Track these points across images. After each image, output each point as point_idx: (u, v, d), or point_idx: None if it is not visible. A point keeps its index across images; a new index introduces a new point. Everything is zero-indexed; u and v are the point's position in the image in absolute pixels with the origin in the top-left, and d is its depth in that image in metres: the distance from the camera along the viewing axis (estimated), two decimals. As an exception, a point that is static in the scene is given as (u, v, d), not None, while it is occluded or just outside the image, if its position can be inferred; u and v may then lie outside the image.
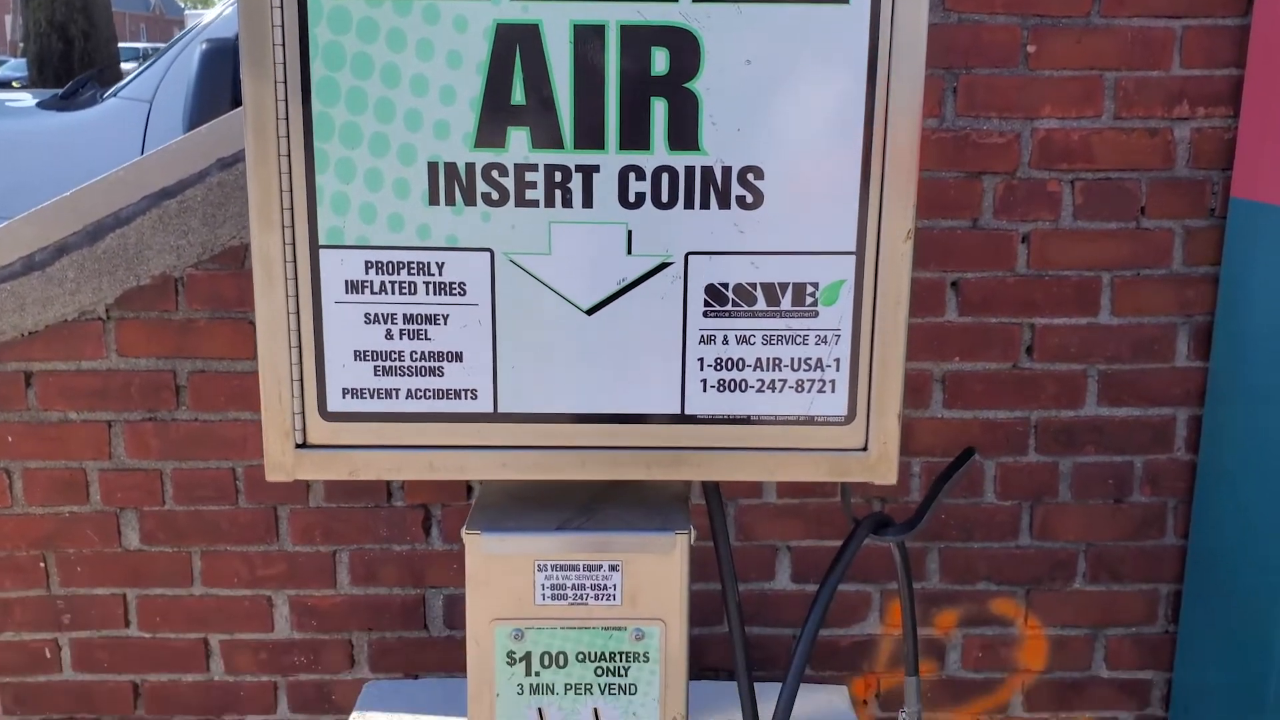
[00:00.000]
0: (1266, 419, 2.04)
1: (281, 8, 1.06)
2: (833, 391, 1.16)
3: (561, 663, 1.22)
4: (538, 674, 1.22)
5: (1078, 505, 2.33)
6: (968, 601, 2.38)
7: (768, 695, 2.02)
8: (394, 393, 1.15)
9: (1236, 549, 2.15)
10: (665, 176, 1.08)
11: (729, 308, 1.13)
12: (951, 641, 2.39)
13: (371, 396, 1.15)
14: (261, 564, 2.35)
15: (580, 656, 1.22)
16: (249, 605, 2.36)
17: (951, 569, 2.36)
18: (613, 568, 1.20)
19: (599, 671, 1.22)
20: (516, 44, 1.07)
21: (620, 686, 1.22)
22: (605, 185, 1.08)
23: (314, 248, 1.11)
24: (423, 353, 1.13)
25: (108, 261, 2.23)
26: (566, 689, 1.22)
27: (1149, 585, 2.38)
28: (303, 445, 1.15)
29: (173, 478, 2.31)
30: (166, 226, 2.23)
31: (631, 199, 1.09)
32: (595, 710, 1.22)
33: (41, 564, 2.33)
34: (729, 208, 1.09)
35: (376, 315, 1.13)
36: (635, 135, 1.07)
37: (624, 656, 1.21)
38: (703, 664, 2.39)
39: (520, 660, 1.21)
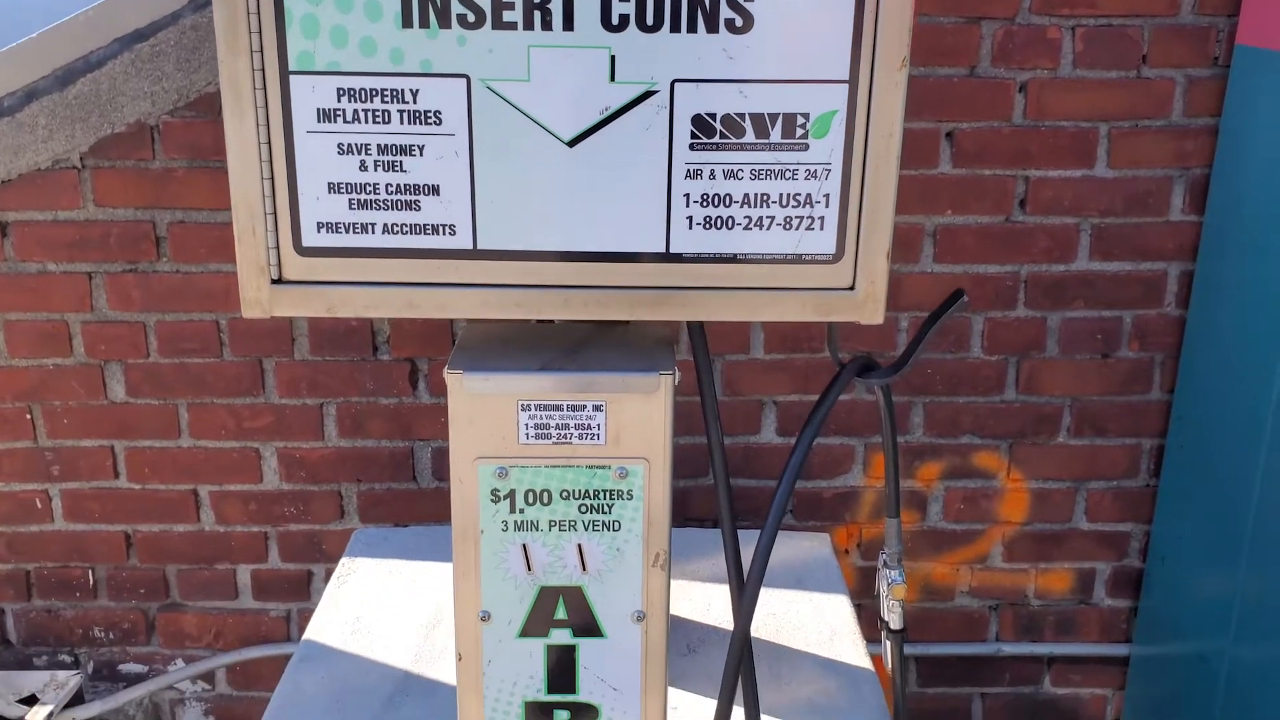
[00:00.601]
0: (1259, 274, 2.03)
1: None
2: (821, 229, 1.13)
3: (545, 500, 1.22)
4: (522, 511, 1.22)
5: (1064, 360, 2.33)
6: (951, 454, 2.40)
7: (751, 542, 2.05)
8: (370, 227, 1.12)
9: (1221, 404, 2.16)
10: (650, -3, 1.03)
11: (716, 140, 1.10)
12: (933, 493, 2.42)
13: (347, 231, 1.12)
14: (249, 416, 2.35)
15: (564, 494, 1.22)
16: (237, 457, 2.38)
17: (935, 422, 2.37)
18: (596, 408, 1.20)
19: (583, 509, 1.22)
20: None
21: (604, 523, 1.23)
22: (587, 5, 1.03)
23: (284, 74, 1.06)
24: (398, 185, 1.10)
25: (80, 108, 2.17)
26: (551, 526, 1.23)
27: (1132, 440, 2.40)
28: (278, 281, 1.13)
29: (156, 330, 2.29)
30: (139, 71, 2.15)
31: (615, 21, 1.04)
32: (579, 546, 1.23)
33: (28, 416, 2.33)
34: (717, 31, 1.05)
35: (350, 146, 1.09)
36: (618, -49, 1.02)
37: (607, 494, 1.22)
38: (687, 514, 2.43)
39: (504, 498, 1.22)
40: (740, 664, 1.25)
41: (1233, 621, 2.10)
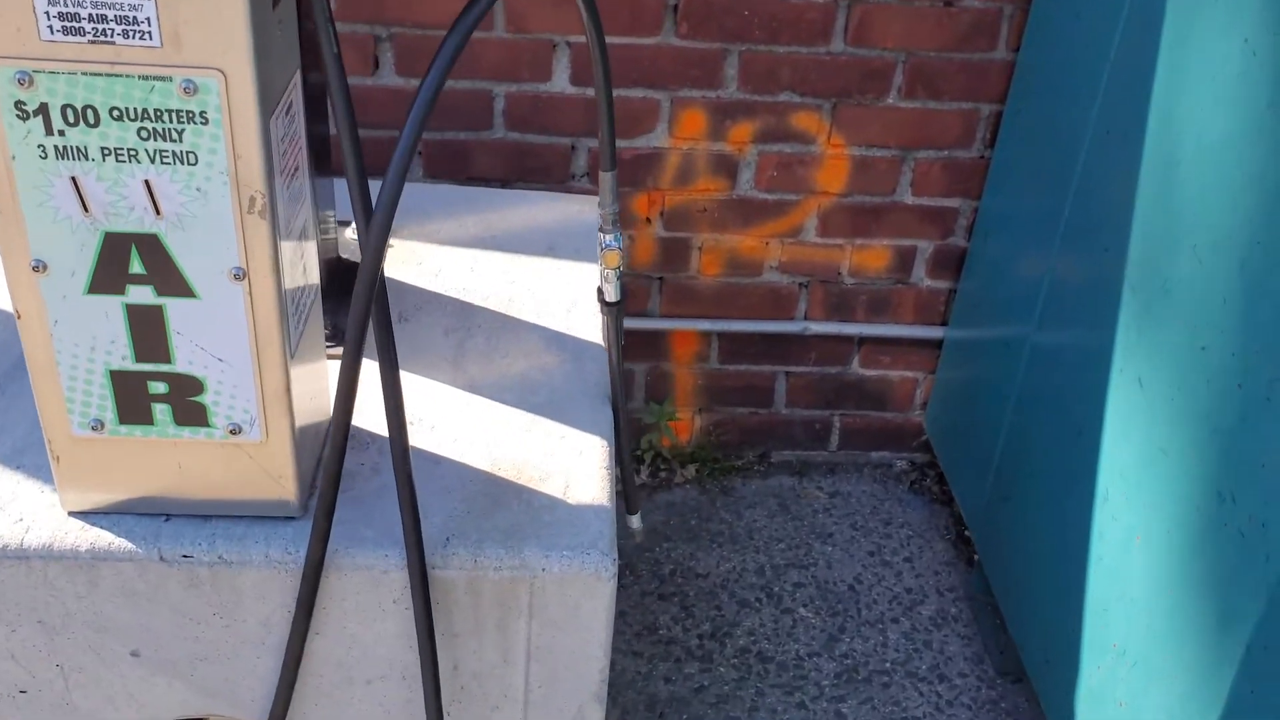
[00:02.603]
0: (1121, -98, 1.70)
1: None
2: None
3: (91, 120, 0.93)
4: (63, 134, 0.94)
5: (902, 6, 2.02)
6: (766, 114, 2.12)
7: (537, 203, 1.79)
8: None
9: (1062, 62, 1.89)
10: None
11: None
12: (745, 159, 2.17)
13: None
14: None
15: (115, 114, 0.93)
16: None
17: (751, 75, 2.08)
18: (143, -7, 0.89)
19: (144, 134, 0.94)
20: None
21: (175, 155, 0.95)
22: None
23: None
24: None
25: None
26: (105, 155, 0.95)
27: (969, 104, 2.14)
28: None
29: None
30: None
31: None
32: (147, 183, 0.96)
33: None
34: None
35: None
36: None
37: (173, 116, 0.93)
38: (470, 172, 2.15)
39: (35, 114, 0.93)
40: (366, 315, 1.01)
41: (1038, 306, 1.94)
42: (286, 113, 1.03)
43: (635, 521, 1.50)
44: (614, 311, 1.32)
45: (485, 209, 1.75)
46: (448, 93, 2.05)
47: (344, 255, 1.58)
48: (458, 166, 2.14)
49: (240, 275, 1.01)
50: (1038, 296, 1.94)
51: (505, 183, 2.16)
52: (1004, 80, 2.10)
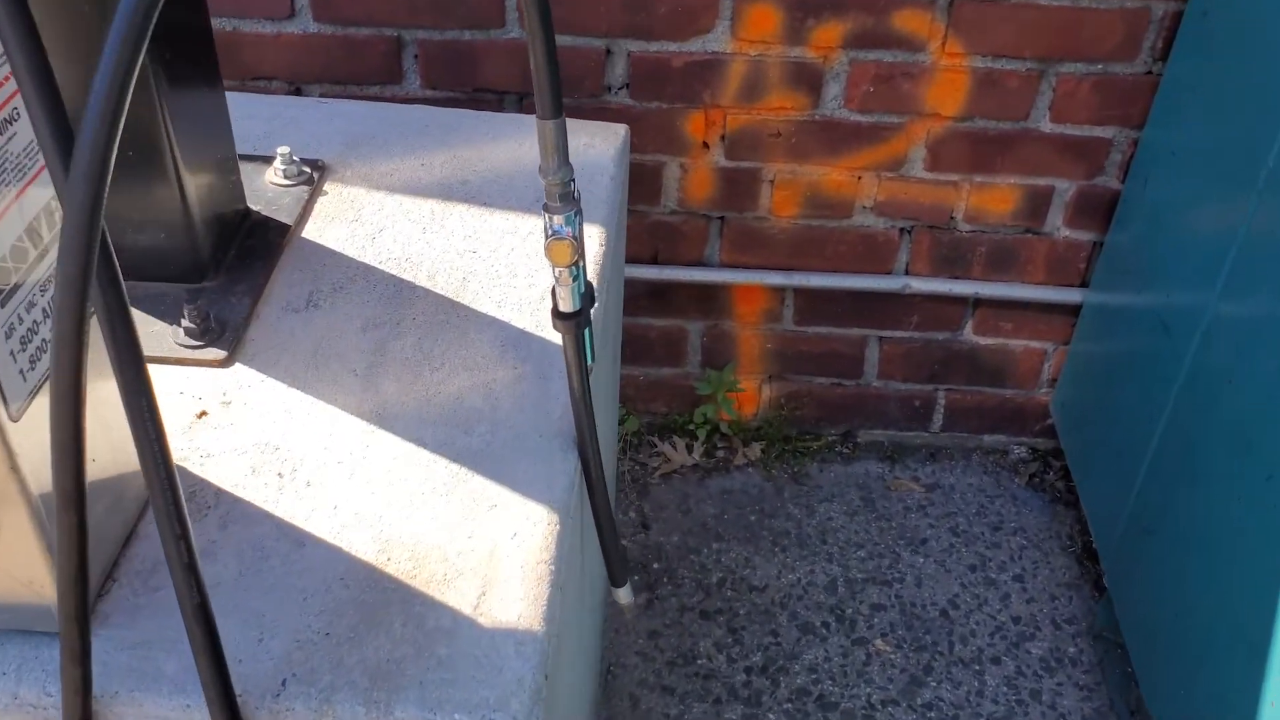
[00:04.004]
0: None
1: None
2: None
3: None
4: None
5: None
6: (859, 11, 1.62)
7: (528, 129, 1.33)
8: None
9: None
10: None
11: None
12: (833, 69, 1.67)
13: None
14: None
15: None
16: None
17: (840, -41, 1.57)
18: None
19: None
20: None
21: None
22: None
23: None
24: None
25: None
26: None
27: (1137, 0, 1.59)
28: None
29: None
30: None
31: None
32: None
33: None
34: None
35: None
36: None
37: None
38: (478, 82, 1.71)
39: None
40: (79, 323, 0.60)
41: (1225, 268, 1.43)
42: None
43: (624, 595, 1.09)
44: (573, 325, 0.88)
45: (462, 140, 1.32)
46: (447, -19, 1.60)
47: (255, 207, 1.18)
48: (463, 74, 1.70)
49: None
50: (1225, 256, 1.43)
51: (522, 96, 1.71)
52: (1190, -35, 1.55)
